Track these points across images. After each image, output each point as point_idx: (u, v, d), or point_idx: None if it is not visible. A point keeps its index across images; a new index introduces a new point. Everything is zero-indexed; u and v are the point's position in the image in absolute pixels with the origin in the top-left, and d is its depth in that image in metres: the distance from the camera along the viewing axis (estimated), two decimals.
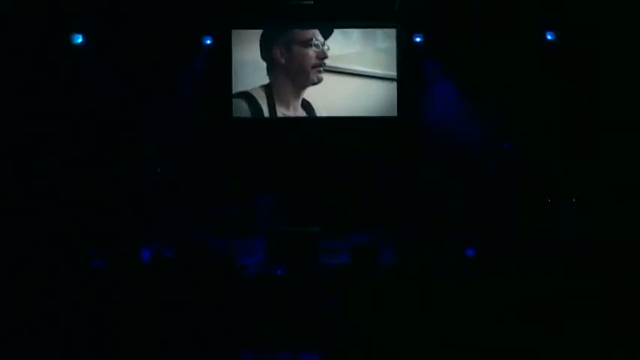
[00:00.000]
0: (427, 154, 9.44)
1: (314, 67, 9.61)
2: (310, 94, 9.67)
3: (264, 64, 9.68)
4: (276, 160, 9.52)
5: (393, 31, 9.67)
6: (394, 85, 9.65)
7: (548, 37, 9.13)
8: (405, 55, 9.63)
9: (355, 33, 9.69)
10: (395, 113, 9.65)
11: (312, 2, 9.15)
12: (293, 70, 9.65)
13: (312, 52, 9.62)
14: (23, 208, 7.86)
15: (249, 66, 9.68)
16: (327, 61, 9.60)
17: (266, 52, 9.68)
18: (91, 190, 8.77)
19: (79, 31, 9.05)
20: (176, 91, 9.41)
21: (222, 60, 9.64)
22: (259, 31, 9.69)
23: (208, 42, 9.55)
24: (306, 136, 9.63)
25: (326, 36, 9.62)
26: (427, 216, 8.82)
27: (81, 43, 9.09)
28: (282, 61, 9.66)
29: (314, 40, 9.61)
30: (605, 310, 3.91)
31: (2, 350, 3.84)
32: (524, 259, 5.42)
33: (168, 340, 3.97)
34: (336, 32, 9.64)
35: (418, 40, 9.49)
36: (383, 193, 9.34)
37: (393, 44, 9.65)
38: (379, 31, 9.70)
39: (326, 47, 9.60)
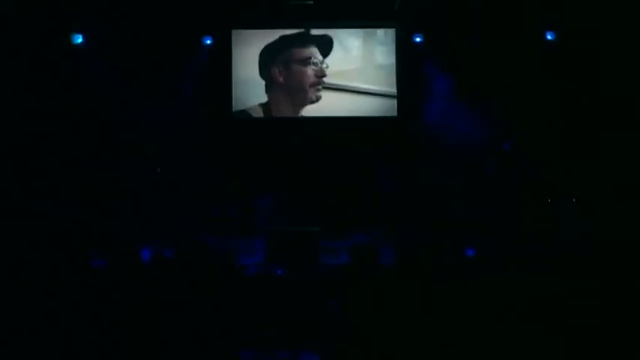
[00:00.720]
0: (427, 154, 9.43)
1: (312, 85, 9.60)
2: (309, 112, 9.65)
3: (263, 82, 9.66)
4: (276, 160, 9.51)
5: (392, 48, 9.65)
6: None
7: (548, 37, 9.13)
8: (405, 55, 9.63)
9: (355, 50, 9.69)
10: (395, 113, 9.66)
11: (312, 2, 9.15)
12: (291, 89, 9.63)
13: (310, 70, 9.61)
14: (23, 208, 7.85)
15: (247, 84, 9.66)
16: (326, 79, 9.59)
17: (264, 71, 9.66)
18: (91, 190, 8.77)
19: (79, 31, 9.04)
20: (176, 91, 9.40)
21: (222, 60, 9.64)
22: (259, 34, 9.67)
23: (208, 42, 9.54)
24: (306, 136, 9.63)
25: (325, 54, 9.61)
26: (427, 216, 8.82)
27: (81, 43, 9.09)
28: (281, 79, 9.63)
29: (312, 58, 9.60)
30: (605, 310, 3.91)
31: (2, 350, 3.84)
32: (524, 259, 5.42)
33: (168, 340, 3.97)
34: (336, 49, 9.62)
35: (418, 40, 9.49)
36: (383, 193, 9.34)
37: (393, 60, 9.64)
38: (378, 48, 9.69)
39: (324, 65, 9.59)
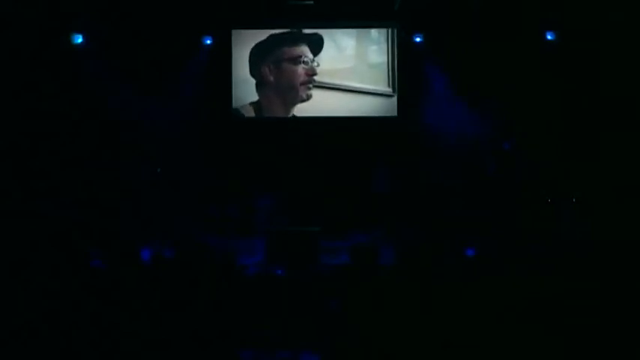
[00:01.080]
0: (427, 154, 9.44)
1: (303, 84, 9.59)
2: (300, 111, 9.64)
3: (253, 81, 9.64)
4: (276, 160, 9.52)
5: (386, 47, 9.63)
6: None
7: (548, 37, 9.14)
8: (405, 55, 9.62)
9: (348, 49, 9.67)
10: (395, 113, 9.65)
11: (312, 2, 9.15)
12: (282, 87, 9.62)
13: (301, 69, 9.59)
14: (23, 208, 7.85)
15: (247, 83, 9.64)
16: (317, 77, 9.57)
17: (255, 69, 9.64)
18: (91, 190, 8.77)
19: (79, 31, 9.06)
20: (176, 91, 9.41)
21: (222, 60, 9.64)
22: (259, 34, 9.65)
23: (208, 42, 9.55)
24: (306, 136, 9.63)
25: (315, 52, 9.59)
26: (427, 216, 8.82)
27: (81, 43, 9.10)
28: (271, 78, 9.62)
29: (303, 57, 9.58)
30: (605, 310, 3.91)
31: (2, 350, 3.84)
32: (524, 259, 5.42)
33: (169, 340, 3.97)
34: (329, 48, 9.61)
35: (418, 40, 9.49)
36: (383, 194, 9.34)
37: (385, 59, 9.62)
38: (372, 47, 9.68)
39: (315, 64, 9.57)
